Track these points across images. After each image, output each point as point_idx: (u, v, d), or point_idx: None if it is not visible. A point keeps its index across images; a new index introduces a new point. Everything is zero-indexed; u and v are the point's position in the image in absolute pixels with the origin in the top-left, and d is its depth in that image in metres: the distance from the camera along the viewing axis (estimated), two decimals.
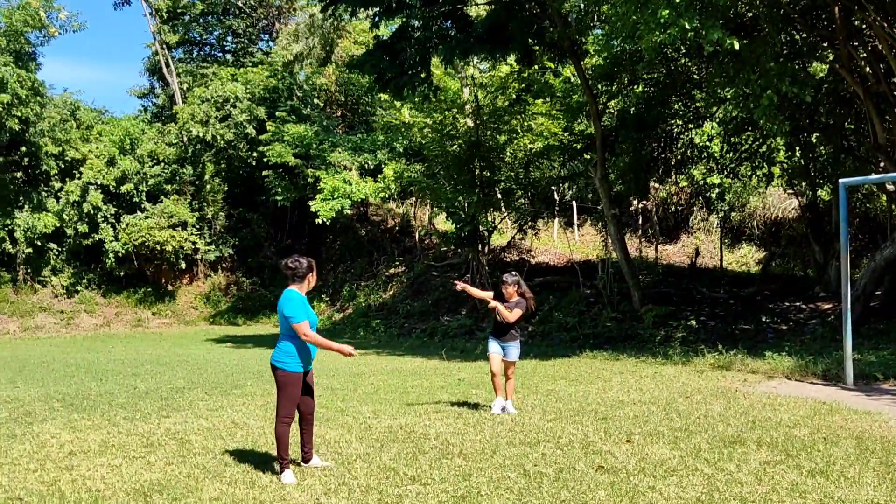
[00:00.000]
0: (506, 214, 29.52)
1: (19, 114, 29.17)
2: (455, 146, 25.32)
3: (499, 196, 27.84)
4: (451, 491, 6.35)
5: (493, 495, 6.21)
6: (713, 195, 26.43)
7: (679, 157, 23.19)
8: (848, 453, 7.45)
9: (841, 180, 12.97)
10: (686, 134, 22.40)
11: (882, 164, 16.18)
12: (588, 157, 23.12)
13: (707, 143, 22.52)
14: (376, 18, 19.99)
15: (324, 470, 7.12)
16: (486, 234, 26.24)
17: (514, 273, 10.23)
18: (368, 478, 6.86)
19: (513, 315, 9.81)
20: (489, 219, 26.41)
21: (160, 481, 6.86)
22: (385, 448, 8.05)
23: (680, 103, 21.25)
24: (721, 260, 26.71)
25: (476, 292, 10.67)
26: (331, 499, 6.23)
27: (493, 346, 10.07)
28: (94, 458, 7.85)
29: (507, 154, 25.76)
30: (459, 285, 10.22)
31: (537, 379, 13.58)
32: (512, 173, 26.51)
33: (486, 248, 27.04)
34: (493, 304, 9.91)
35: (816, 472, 6.75)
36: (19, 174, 32.24)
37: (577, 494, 6.17)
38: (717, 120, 21.71)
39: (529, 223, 29.57)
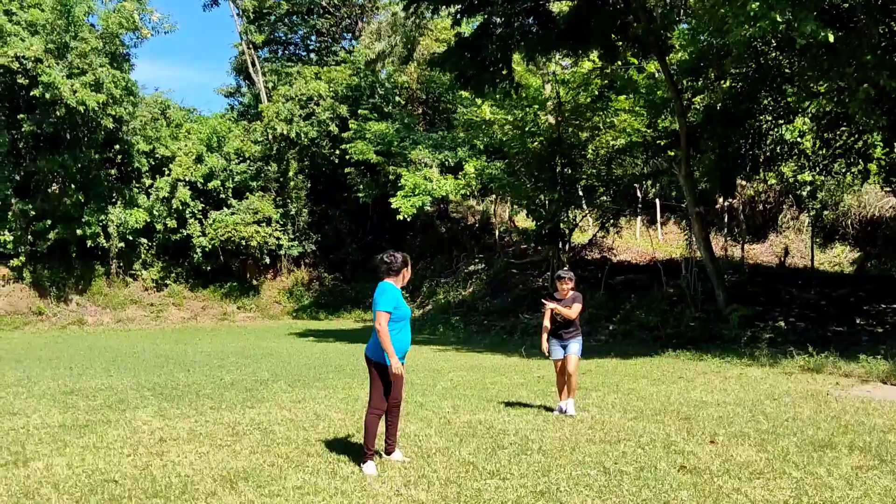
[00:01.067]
0: (587, 212, 29.25)
1: (113, 113, 30.16)
2: (536, 143, 25.20)
3: (580, 193, 27.60)
4: (530, 486, 6.33)
5: (573, 492, 6.16)
6: (804, 193, 25.67)
7: (768, 153, 22.56)
8: None
9: None
10: (776, 130, 21.78)
11: None
12: (672, 153, 22.71)
13: (798, 139, 21.86)
14: (458, 16, 19.98)
15: (404, 464, 7.17)
16: (566, 231, 26.04)
17: (568, 269, 10.00)
18: (448, 471, 6.88)
19: (573, 311, 9.66)
20: (570, 216, 26.21)
21: (245, 469, 7.01)
22: (464, 443, 8.07)
23: (769, 98, 20.65)
24: (812, 260, 25.96)
25: (560, 309, 9.74)
26: (411, 491, 6.27)
27: (557, 352, 9.75)
28: (183, 444, 8.07)
29: (589, 151, 25.51)
30: (549, 305, 9.75)
31: (618, 377, 13.43)
32: (594, 170, 26.25)
33: (567, 246, 26.83)
34: (550, 305, 9.69)
35: None
36: (113, 171, 33.38)
37: (659, 494, 6.07)
38: (810, 115, 21.04)
39: (611, 221, 29.24)
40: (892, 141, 20.22)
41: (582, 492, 6.16)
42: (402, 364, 7.24)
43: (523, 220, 31.49)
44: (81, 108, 28.64)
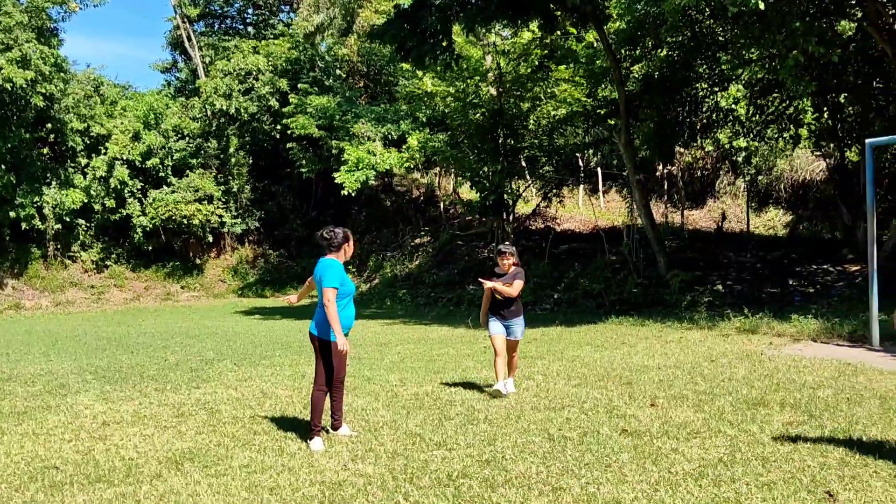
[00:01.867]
0: (530, 182, 29.43)
1: (43, 90, 29.37)
2: (478, 115, 25.24)
3: (523, 164, 27.76)
4: (476, 455, 6.43)
5: (518, 459, 6.28)
6: (739, 159, 26.19)
7: (704, 120, 22.95)
8: (871, 413, 7.45)
9: (867, 140, 12.82)
10: (711, 97, 22.15)
11: None
12: (612, 122, 22.96)
13: (733, 106, 22.26)
14: None
15: (351, 438, 7.23)
16: (510, 202, 26.20)
17: (509, 243, 9.66)
18: (395, 444, 6.95)
19: (514, 288, 9.07)
20: (514, 187, 26.36)
21: (191, 449, 7.00)
22: (411, 415, 8.15)
23: (705, 66, 20.98)
24: (748, 224, 26.52)
25: (501, 288, 9.14)
26: (358, 465, 6.32)
27: (496, 327, 9.17)
28: (127, 427, 8.01)
29: (531, 122, 25.64)
30: (487, 284, 9.17)
31: (562, 345, 13.63)
32: (536, 141, 26.40)
33: (512, 217, 27.01)
34: (489, 285, 9.10)
35: (839, 432, 6.77)
36: (46, 151, 32.56)
37: (601, 457, 6.22)
38: (743, 82, 21.43)
39: (554, 191, 29.47)
40: (820, 107, 20.72)
41: (527, 459, 6.28)
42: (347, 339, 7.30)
43: (468, 192, 31.58)
44: (8, 86, 27.84)
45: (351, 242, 7.34)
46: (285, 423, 7.98)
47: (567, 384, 9.61)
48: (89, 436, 7.70)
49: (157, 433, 7.71)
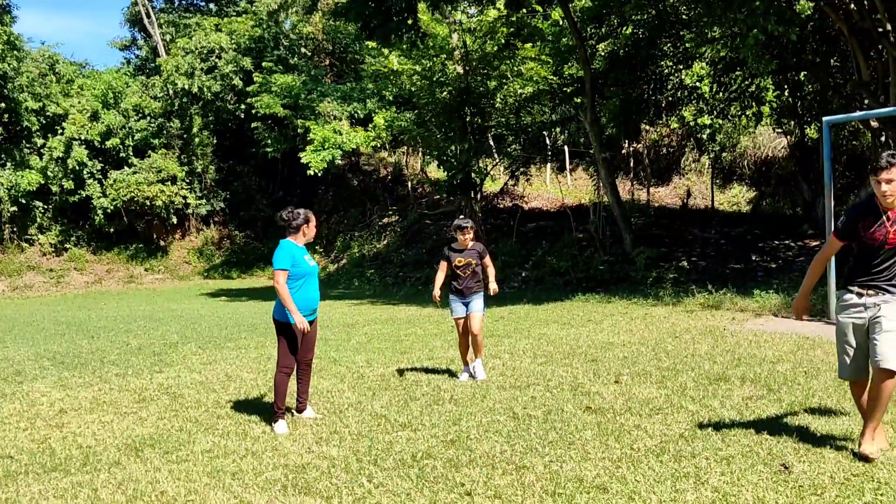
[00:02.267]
0: (498, 161, 29.39)
1: None
2: (445, 93, 25.11)
3: (490, 143, 27.71)
4: (440, 436, 6.41)
5: (482, 438, 6.26)
6: (704, 136, 26.30)
7: (669, 98, 23.03)
8: (827, 386, 7.54)
9: (824, 118, 12.92)
10: (676, 75, 22.21)
11: (866, 101, 16.09)
12: (578, 100, 22.94)
13: (697, 84, 22.34)
14: None
15: (315, 421, 7.18)
16: (478, 181, 26.15)
17: (466, 217, 9.49)
18: (360, 425, 6.91)
19: (490, 268, 9.07)
20: (481, 166, 26.30)
21: (152, 436, 6.91)
22: (377, 396, 8.11)
23: (669, 44, 21.04)
24: (712, 200, 26.70)
25: (493, 287, 9.11)
26: (322, 447, 6.28)
27: (458, 310, 8.95)
28: (85, 414, 7.89)
29: (498, 100, 25.56)
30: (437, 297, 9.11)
31: (529, 323, 13.66)
32: (503, 119, 26.34)
33: (479, 195, 26.97)
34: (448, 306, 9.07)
35: (796, 405, 6.85)
36: (0, 131, 31.89)
37: (565, 435, 6.22)
38: (707, 60, 21.51)
39: (521, 169, 29.45)
40: (781, 84, 20.87)
41: (491, 438, 6.27)
42: (313, 321, 7.24)
43: (435, 171, 31.49)
44: None
45: (312, 224, 7.25)
46: (249, 407, 7.91)
47: (533, 362, 9.62)
48: (45, 424, 7.57)
49: (117, 420, 7.60)
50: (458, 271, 8.90)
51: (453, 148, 25.53)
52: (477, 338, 8.84)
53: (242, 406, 7.96)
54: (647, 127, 28.06)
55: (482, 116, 25.76)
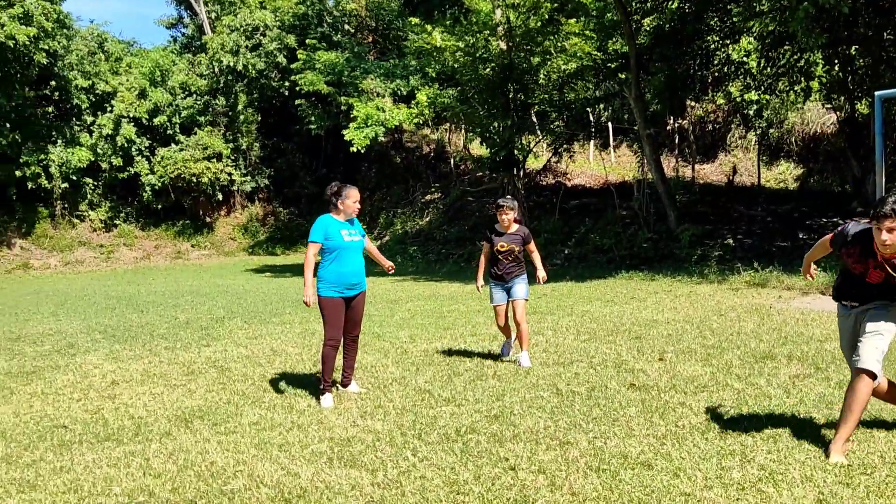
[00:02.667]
0: (541, 138, 29.21)
1: (46, 47, 29.20)
2: (488, 69, 24.96)
3: (533, 119, 27.53)
4: (484, 411, 6.44)
5: (526, 414, 6.28)
6: (751, 112, 25.91)
7: (716, 74, 22.67)
8: None
9: (876, 93, 12.64)
10: (722, 50, 21.84)
11: None
12: (623, 76, 22.69)
13: (744, 59, 21.96)
14: None
15: (360, 395, 7.26)
16: (521, 157, 26.02)
17: (511, 197, 8.65)
18: (404, 400, 6.97)
19: (535, 255, 8.65)
20: (524, 142, 26.17)
21: (201, 407, 7.04)
22: (421, 371, 8.17)
23: (716, 18, 20.67)
24: (759, 177, 26.32)
25: (540, 274, 8.65)
26: (367, 421, 6.34)
27: (499, 296, 8.49)
28: (136, 386, 8.06)
29: (541, 76, 25.35)
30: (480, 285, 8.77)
31: (572, 300, 13.62)
32: (546, 96, 26.14)
33: (522, 172, 26.85)
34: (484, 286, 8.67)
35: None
36: (50, 109, 32.43)
37: (609, 412, 6.22)
38: (754, 34, 21.12)
39: (565, 146, 29.25)
40: (831, 59, 20.41)
41: (535, 414, 6.29)
42: (356, 296, 7.26)
43: (478, 148, 31.38)
44: (11, 43, 27.69)
45: (348, 200, 7.23)
46: (295, 381, 8.01)
47: (576, 339, 9.61)
48: (98, 395, 7.75)
49: (167, 391, 7.75)
50: (499, 256, 8.41)
51: (496, 124, 25.41)
52: (521, 326, 8.32)
53: (288, 380, 8.06)
54: (693, 103, 27.69)
55: (525, 93, 25.59)
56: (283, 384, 7.85)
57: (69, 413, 7.07)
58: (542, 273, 8.64)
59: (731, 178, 26.81)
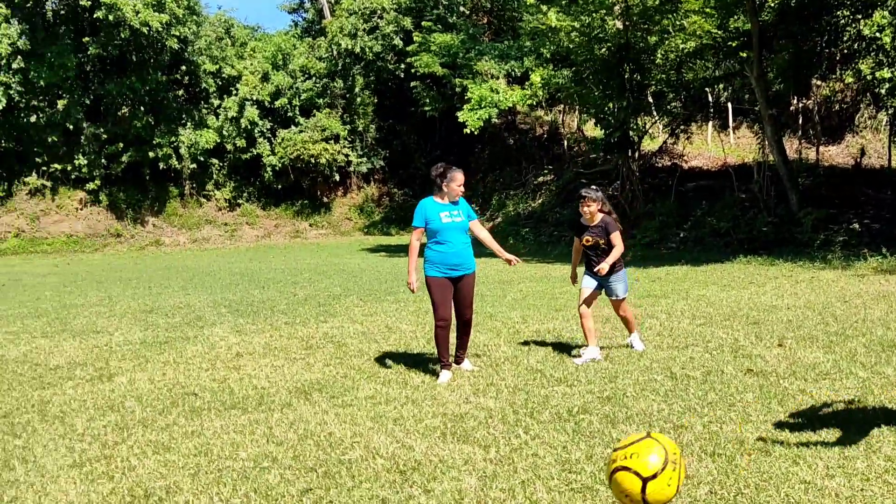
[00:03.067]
0: (657, 119, 28.65)
1: (178, 33, 30.44)
2: (603, 49, 24.62)
3: (650, 100, 27.03)
4: (596, 392, 6.44)
5: (639, 397, 6.26)
6: (882, 91, 24.65)
7: (844, 50, 21.69)
8: None
9: None
10: (853, 25, 20.87)
11: None
12: (744, 55, 21.98)
13: (877, 35, 20.91)
14: None
15: (473, 373, 7.36)
16: (636, 139, 25.61)
17: (595, 187, 8.02)
18: (516, 379, 7.03)
19: (617, 246, 7.74)
20: (639, 124, 25.74)
21: (319, 380, 7.28)
22: (532, 351, 8.22)
23: None
24: (889, 160, 25.11)
25: (603, 266, 7.73)
26: (479, 398, 6.44)
27: (588, 281, 7.94)
28: (259, 358, 8.39)
29: (658, 56, 24.83)
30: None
31: (687, 284, 13.39)
32: (663, 76, 25.59)
33: (637, 154, 26.42)
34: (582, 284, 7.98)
35: None
36: (181, 92, 33.81)
37: (725, 396, 6.13)
38: (889, 8, 20.09)
39: (682, 127, 28.60)
40: None
41: (648, 396, 6.25)
42: (463, 277, 7.30)
43: (592, 129, 31.02)
44: (145, 30, 28.98)
45: (452, 182, 7.31)
46: (409, 357, 8.18)
47: (691, 323, 9.46)
48: (224, 365, 8.10)
49: (287, 364, 8.04)
50: (587, 251, 7.92)
51: (611, 105, 25.07)
52: (623, 317, 8.12)
53: (402, 356, 8.24)
54: (819, 82, 26.61)
55: (641, 73, 25.13)
56: (397, 360, 8.03)
57: (198, 381, 7.43)
58: (603, 264, 7.65)
59: (858, 160, 25.69)
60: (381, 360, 8.10)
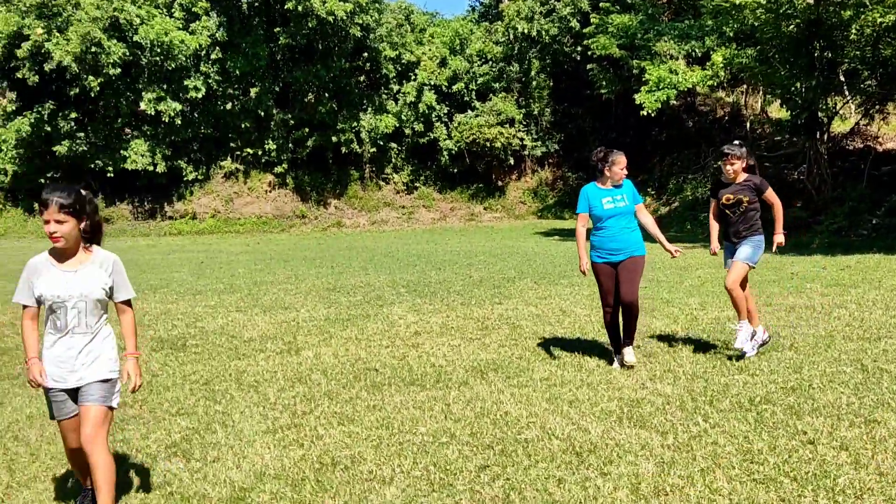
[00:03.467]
0: (849, 98, 27.06)
1: (360, 21, 31.46)
2: (792, 26, 23.45)
3: (841, 78, 25.54)
4: (780, 382, 6.23)
5: (826, 388, 6.00)
6: None
7: None
8: None
9: None
10: None
11: None
12: None
13: None
14: None
15: (632, 364, 7.02)
16: (825, 120, 24.31)
17: (738, 142, 7.51)
18: (694, 366, 6.90)
19: (776, 208, 7.30)
20: (829, 104, 24.40)
21: (494, 361, 7.40)
22: (710, 339, 8.03)
23: None
24: None
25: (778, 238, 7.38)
26: (656, 384, 6.37)
27: (730, 252, 7.48)
28: (436, 337, 8.61)
29: (853, 31, 23.40)
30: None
31: (880, 273, 12.64)
32: (857, 53, 24.10)
33: (826, 136, 25.08)
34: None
35: None
36: (362, 79, 34.93)
37: None
38: None
39: (877, 107, 26.88)
40: None
41: (836, 388, 6.00)
42: (622, 262, 7.10)
43: (776, 111, 29.68)
44: (331, 19, 30.12)
45: (617, 166, 7.13)
46: (583, 341, 8.18)
47: (885, 314, 8.95)
48: (403, 343, 8.38)
49: (464, 344, 8.22)
50: (726, 211, 7.34)
51: (798, 85, 23.88)
52: (730, 294, 7.27)
53: (576, 340, 8.25)
54: None
55: (833, 50, 23.76)
56: (572, 343, 8.05)
57: (379, 358, 7.73)
58: (778, 236, 7.30)
59: None
60: (556, 342, 8.14)
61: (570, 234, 25.15)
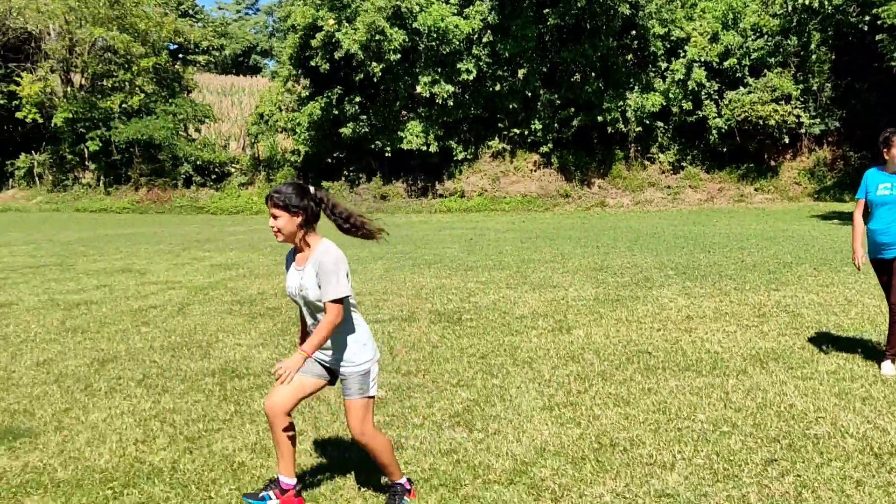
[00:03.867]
0: None
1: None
2: None
3: None
4: None
5: None
6: None
7: None
8: None
9: None
10: None
11: None
12: None
13: None
14: None
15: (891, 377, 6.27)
16: None
17: None
18: None
19: None
20: None
21: (774, 350, 7.12)
22: None
23: None
24: None
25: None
26: None
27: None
28: (710, 323, 8.40)
29: None
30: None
31: None
32: None
33: None
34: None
35: None
36: (630, 57, 34.43)
37: None
38: None
39: None
40: None
41: None
42: (878, 258, 6.50)
43: None
44: None
45: (894, 149, 6.35)
46: (874, 334, 7.64)
47: None
48: (675, 327, 8.25)
49: (740, 331, 7.96)
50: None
51: None
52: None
53: (865, 331, 7.73)
54: None
55: None
56: (861, 336, 7.56)
57: (650, 341, 7.67)
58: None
59: None
60: (842, 333, 7.68)
61: (851, 219, 23.49)
